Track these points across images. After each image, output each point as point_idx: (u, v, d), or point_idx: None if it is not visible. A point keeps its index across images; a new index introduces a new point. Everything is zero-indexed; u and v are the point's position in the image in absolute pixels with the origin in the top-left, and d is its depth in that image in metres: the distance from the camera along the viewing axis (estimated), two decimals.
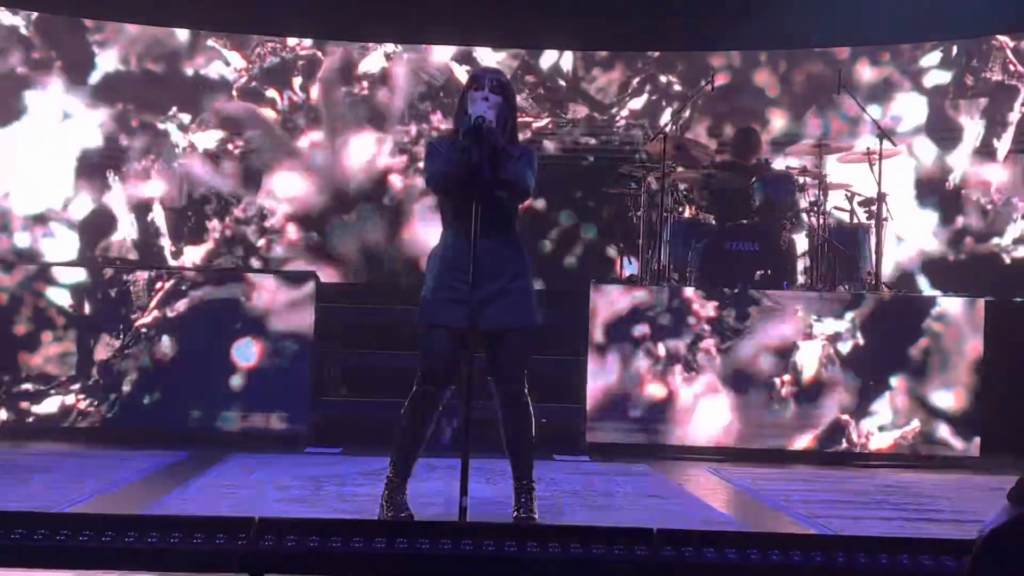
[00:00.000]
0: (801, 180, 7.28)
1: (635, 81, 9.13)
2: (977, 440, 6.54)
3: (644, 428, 6.55)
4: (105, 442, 6.28)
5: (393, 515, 4.05)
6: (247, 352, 6.58)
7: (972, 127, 8.59)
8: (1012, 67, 8.45)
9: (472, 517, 3.99)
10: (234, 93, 8.92)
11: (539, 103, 9.11)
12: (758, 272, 6.92)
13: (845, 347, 6.58)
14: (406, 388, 4.18)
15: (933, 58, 8.84)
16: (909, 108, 8.82)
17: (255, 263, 8.73)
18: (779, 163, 7.85)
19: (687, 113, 8.38)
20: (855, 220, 7.31)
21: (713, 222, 7.45)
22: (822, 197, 7.16)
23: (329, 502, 4.67)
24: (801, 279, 7.15)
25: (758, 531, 4.07)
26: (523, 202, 4.22)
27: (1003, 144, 8.45)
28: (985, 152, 8.50)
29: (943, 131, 8.65)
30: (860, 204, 7.34)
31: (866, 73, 8.91)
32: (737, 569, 2.81)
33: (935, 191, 8.61)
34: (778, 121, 8.98)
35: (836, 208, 7.34)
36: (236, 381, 6.57)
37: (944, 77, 8.78)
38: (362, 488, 5.01)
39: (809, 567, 2.88)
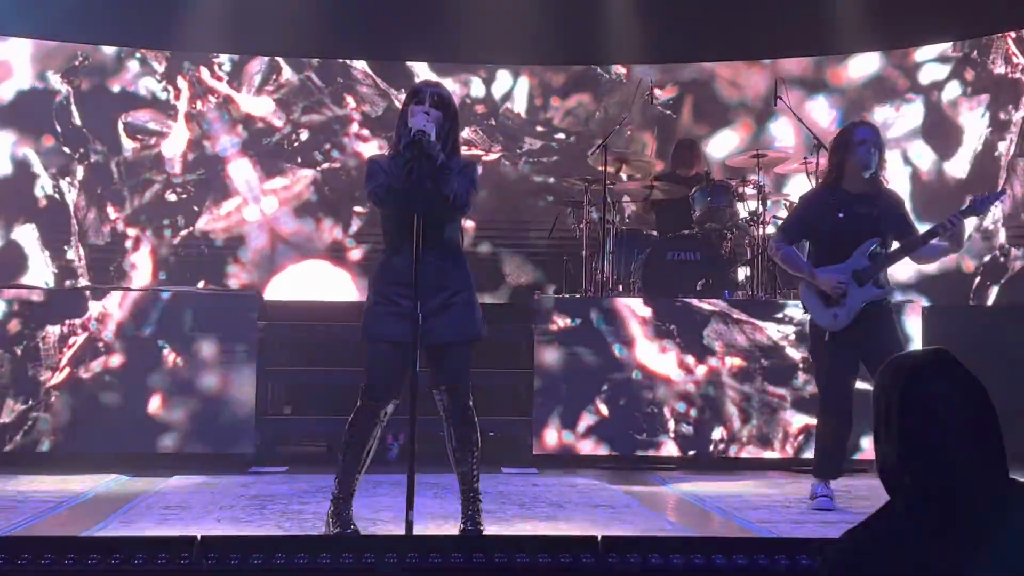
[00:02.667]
0: (740, 190, 7.36)
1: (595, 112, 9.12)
2: None
3: (591, 439, 6.57)
4: (44, 467, 6.16)
5: (339, 531, 4.03)
6: (191, 371, 6.50)
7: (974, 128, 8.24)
8: (1015, 59, 8.04)
9: (420, 531, 3.99)
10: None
11: (490, 136, 9.10)
12: (700, 281, 6.98)
13: (780, 355, 6.66)
14: (351, 405, 4.17)
15: (929, 51, 8.56)
16: (904, 109, 8.61)
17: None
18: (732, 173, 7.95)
19: (626, 130, 8.42)
20: None
21: (655, 233, 7.52)
22: (761, 206, 7.25)
23: (274, 520, 4.62)
24: (742, 287, 7.23)
25: (701, 535, 4.11)
26: (463, 215, 4.23)
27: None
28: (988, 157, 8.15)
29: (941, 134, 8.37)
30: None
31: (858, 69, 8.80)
32: (682, 573, 2.83)
33: (935, 202, 8.18)
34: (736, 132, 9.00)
35: (775, 217, 7.43)
36: (179, 401, 6.48)
37: (942, 72, 8.49)
38: (308, 506, 4.97)
39: (753, 570, 2.91)
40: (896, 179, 8.24)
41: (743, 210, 7.38)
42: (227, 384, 6.51)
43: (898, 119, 8.59)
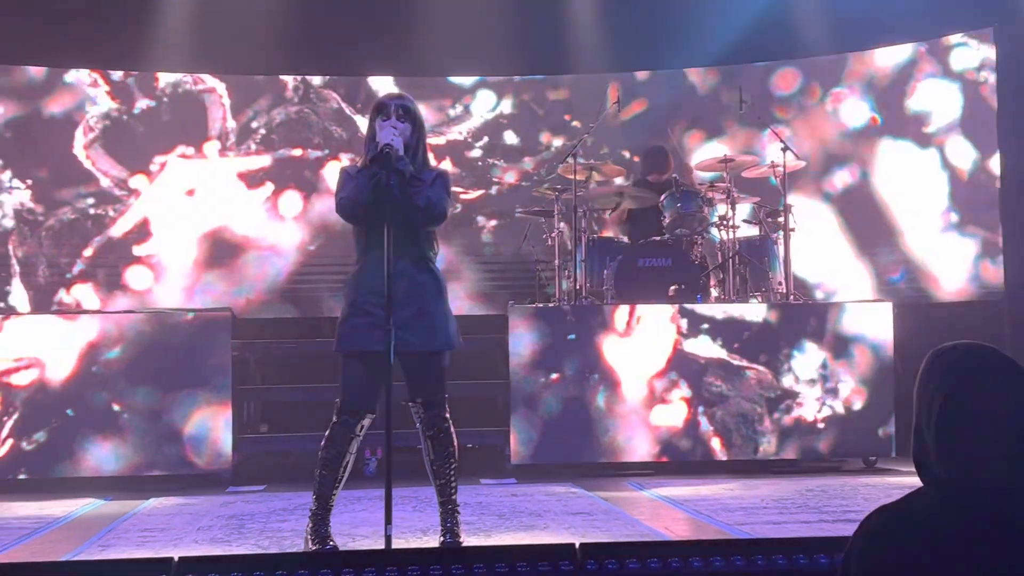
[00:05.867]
0: (709, 195, 7.41)
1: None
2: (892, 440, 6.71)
3: (569, 448, 6.59)
4: (19, 492, 6.11)
5: (318, 547, 4.02)
6: (166, 392, 6.46)
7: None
8: None
9: (399, 545, 4.00)
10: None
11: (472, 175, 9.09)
12: (672, 287, 7.02)
13: (755, 356, 6.71)
14: (327, 421, 4.17)
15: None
16: (939, 98, 8.26)
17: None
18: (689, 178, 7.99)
19: (589, 138, 8.44)
20: (763, 232, 7.46)
21: (626, 240, 7.56)
22: (731, 211, 7.30)
23: (253, 539, 4.61)
24: (714, 292, 7.27)
25: (678, 539, 4.13)
26: (439, 225, 4.25)
27: None
28: None
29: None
30: (767, 216, 7.50)
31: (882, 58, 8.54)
32: None
33: (976, 204, 8.02)
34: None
35: (744, 221, 7.48)
36: (156, 423, 6.44)
37: (976, 58, 8.09)
38: (286, 524, 4.96)
39: (730, 571, 2.94)
40: (932, 182, 8.19)
41: (712, 214, 7.42)
42: (203, 404, 6.48)
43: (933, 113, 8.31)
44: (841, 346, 6.76)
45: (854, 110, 8.67)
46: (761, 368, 6.71)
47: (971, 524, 1.75)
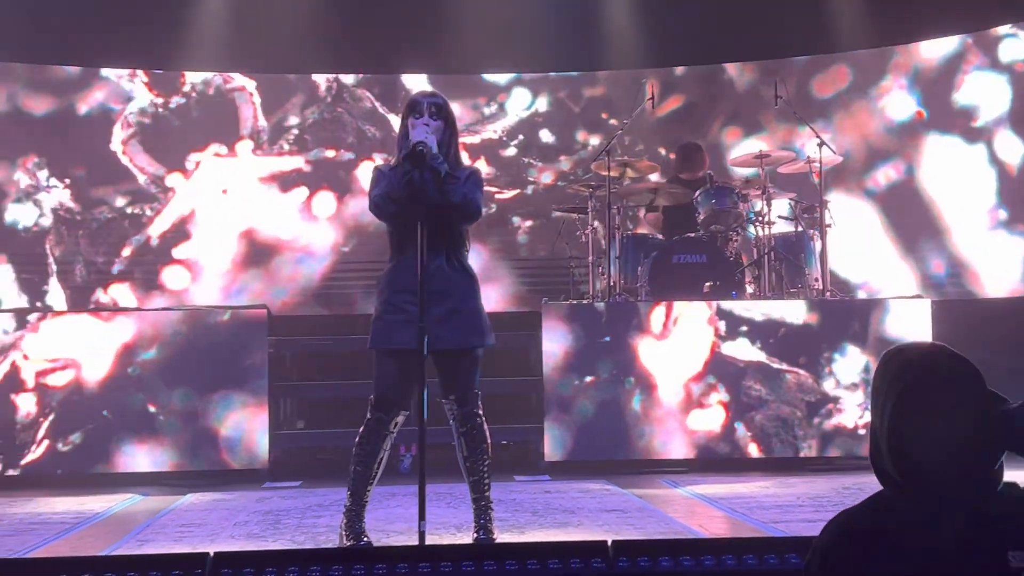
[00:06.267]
0: (744, 191, 7.36)
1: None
2: None
3: (603, 444, 6.57)
4: (60, 487, 6.19)
5: (352, 542, 4.04)
6: (204, 388, 6.51)
7: None
8: None
9: (432, 541, 4.01)
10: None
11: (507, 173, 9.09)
12: (706, 284, 6.98)
13: (792, 354, 6.64)
14: (362, 418, 4.19)
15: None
16: (987, 91, 8.11)
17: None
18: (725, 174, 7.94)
19: (627, 137, 8.41)
20: (800, 228, 7.39)
21: (660, 237, 7.53)
22: (766, 207, 7.24)
23: (288, 535, 4.64)
24: (749, 288, 7.23)
25: (709, 537, 4.11)
26: (474, 222, 4.26)
27: None
28: None
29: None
30: (803, 212, 7.43)
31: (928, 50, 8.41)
32: (692, 575, 2.84)
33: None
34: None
35: (781, 217, 7.42)
36: (193, 419, 6.49)
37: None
38: (321, 519, 4.99)
39: (764, 570, 2.92)
40: (979, 177, 8.07)
41: (748, 211, 7.37)
42: (239, 407, 6.51)
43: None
44: (884, 350, 6.65)
45: (899, 104, 8.56)
46: (801, 371, 6.61)
47: (926, 528, 1.74)
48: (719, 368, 6.59)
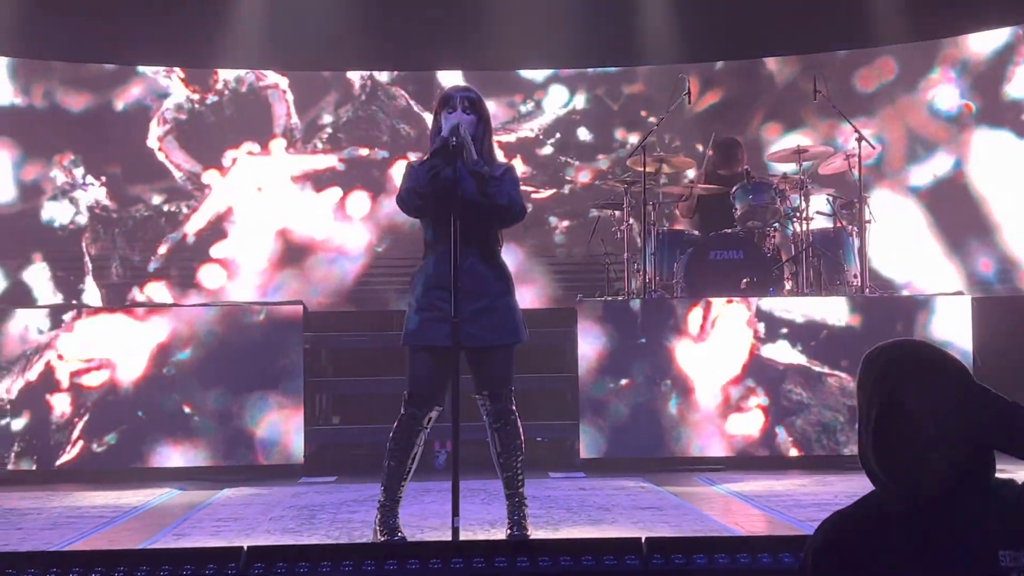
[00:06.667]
0: (782, 187, 7.29)
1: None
2: None
3: (639, 441, 6.52)
4: (97, 482, 6.24)
5: (386, 538, 4.04)
6: (240, 385, 6.54)
7: None
8: None
9: (466, 537, 4.00)
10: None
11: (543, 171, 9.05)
12: (743, 280, 6.92)
13: (834, 356, 6.54)
14: (397, 414, 4.18)
15: None
16: None
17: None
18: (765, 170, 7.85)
19: (666, 135, 8.33)
20: (839, 224, 7.31)
21: (696, 233, 7.47)
22: (804, 203, 7.17)
23: (323, 529, 4.65)
24: (787, 285, 7.15)
25: (745, 535, 4.07)
26: (519, 222, 4.27)
27: None
28: None
29: None
30: (842, 207, 7.35)
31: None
32: (727, 573, 2.81)
33: None
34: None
35: (819, 213, 7.34)
36: (230, 415, 6.52)
37: None
38: (356, 515, 4.99)
39: (799, 568, 2.88)
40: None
41: (785, 206, 7.30)
42: (274, 407, 6.53)
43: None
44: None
45: (947, 98, 8.42)
46: (843, 374, 6.49)
47: (916, 528, 1.72)
48: (758, 371, 6.50)
